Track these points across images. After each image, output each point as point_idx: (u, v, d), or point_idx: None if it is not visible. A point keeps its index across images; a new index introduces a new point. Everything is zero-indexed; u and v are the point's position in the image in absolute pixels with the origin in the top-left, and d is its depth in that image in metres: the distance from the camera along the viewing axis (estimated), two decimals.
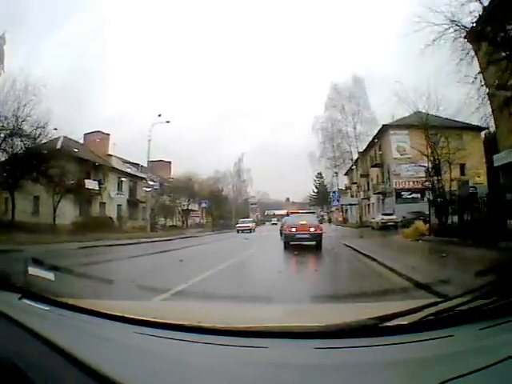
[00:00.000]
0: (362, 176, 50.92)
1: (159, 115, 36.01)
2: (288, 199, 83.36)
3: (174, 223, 52.95)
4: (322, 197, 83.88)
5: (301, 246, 16.35)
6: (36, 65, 66.60)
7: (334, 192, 46.20)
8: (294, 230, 17.20)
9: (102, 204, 40.61)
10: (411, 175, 37.55)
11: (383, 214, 35.42)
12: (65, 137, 34.34)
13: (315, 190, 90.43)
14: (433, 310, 1.33)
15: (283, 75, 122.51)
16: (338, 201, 44.17)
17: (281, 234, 19.92)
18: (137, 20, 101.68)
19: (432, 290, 5.87)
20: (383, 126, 41.30)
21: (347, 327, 1.33)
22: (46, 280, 1.91)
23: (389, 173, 41.72)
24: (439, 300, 1.40)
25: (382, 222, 33.55)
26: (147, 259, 14.85)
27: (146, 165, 42.53)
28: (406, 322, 1.31)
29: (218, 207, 59.82)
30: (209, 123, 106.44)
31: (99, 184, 39.08)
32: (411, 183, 38.94)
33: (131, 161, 46.94)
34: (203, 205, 53.27)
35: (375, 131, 44.65)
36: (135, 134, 72.93)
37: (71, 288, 2.46)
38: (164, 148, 68.98)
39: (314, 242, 16.80)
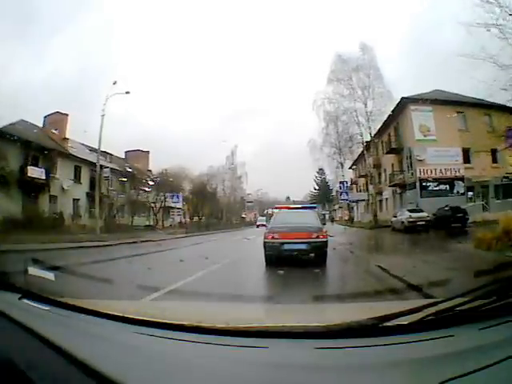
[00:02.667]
0: (374, 166, 40.38)
1: (114, 83, 29.18)
2: (288, 198, 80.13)
3: (150, 222, 43.73)
4: (323, 194, 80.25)
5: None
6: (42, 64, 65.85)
7: (342, 182, 37.15)
8: (279, 237, 10.62)
9: (53, 197, 32.02)
10: (437, 162, 31.21)
11: (410, 211, 26.79)
12: (22, 120, 30.16)
13: (316, 188, 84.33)
14: (433, 310, 1.33)
15: (282, 69, 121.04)
16: (347, 193, 36.33)
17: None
18: (140, 22, 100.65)
19: None
20: (402, 98, 32.86)
21: (347, 327, 1.33)
22: (46, 280, 1.93)
23: (410, 158, 32.86)
24: (439, 300, 1.39)
25: (409, 222, 25.46)
26: None
27: (115, 152, 38.42)
28: (405, 322, 1.31)
29: (206, 205, 51.66)
30: (211, 123, 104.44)
31: (47, 173, 30.78)
32: (438, 171, 31.65)
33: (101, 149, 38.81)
34: (175, 199, 43.35)
35: (390, 109, 35.43)
36: (138, 133, 72.39)
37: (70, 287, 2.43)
38: (170, 148, 67.04)
39: (312, 255, 10.46)
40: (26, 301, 1.66)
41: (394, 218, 29.31)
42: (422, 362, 1.12)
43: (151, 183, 42.44)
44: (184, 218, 52.01)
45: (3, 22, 53.37)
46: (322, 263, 10.23)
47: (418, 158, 31.87)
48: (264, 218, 50.16)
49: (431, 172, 31.82)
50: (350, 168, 49.10)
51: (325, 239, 10.64)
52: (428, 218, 25.39)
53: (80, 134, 36.59)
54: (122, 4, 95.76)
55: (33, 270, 2.00)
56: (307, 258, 10.31)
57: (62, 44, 67.93)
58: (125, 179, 39.96)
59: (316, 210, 16.04)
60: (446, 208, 25.29)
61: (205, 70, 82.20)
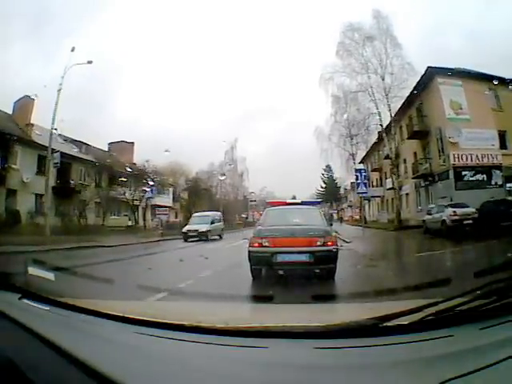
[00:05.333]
0: (397, 157, 33.21)
1: (72, 49, 25.38)
2: (294, 197, 78.17)
3: (133, 222, 37.91)
4: (330, 192, 76.18)
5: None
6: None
7: (358, 171, 26.23)
8: (271, 244, 8.01)
9: (11, 192, 27.42)
10: (473, 146, 25.99)
11: (452, 206, 20.74)
12: None
13: (323, 186, 78.92)
14: (433, 310, 1.33)
15: (288, 68, 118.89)
16: (365, 185, 25.29)
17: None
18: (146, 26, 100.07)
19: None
20: (428, 68, 27.08)
21: (347, 327, 1.34)
22: (46, 280, 1.94)
23: (441, 141, 26.82)
24: (439, 300, 1.39)
25: (452, 221, 19.44)
26: None
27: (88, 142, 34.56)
28: (405, 322, 1.31)
29: (200, 203, 45.72)
30: (217, 124, 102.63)
31: (2, 161, 26.86)
32: (475, 158, 26.20)
33: (75, 138, 35.38)
34: (148, 195, 35.58)
35: (411, 85, 29.49)
36: (149, 135, 72.00)
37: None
38: (178, 150, 65.58)
39: (316, 269, 7.86)
40: (26, 301, 1.67)
41: (427, 217, 23.09)
42: (421, 361, 1.12)
43: (125, 177, 36.32)
44: (176, 217, 47.30)
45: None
46: (330, 276, 7.83)
47: (451, 140, 26.22)
48: (203, 216, 28.06)
49: (467, 158, 26.31)
50: (360, 162, 41.49)
51: (334, 247, 8.01)
52: (476, 216, 19.54)
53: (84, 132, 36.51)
54: (127, 5, 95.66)
55: (33, 270, 2.01)
56: (308, 274, 7.78)
57: (68, 47, 67.83)
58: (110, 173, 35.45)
59: (320, 204, 12.51)
60: (496, 202, 20.42)
61: (212, 70, 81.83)
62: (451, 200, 23.44)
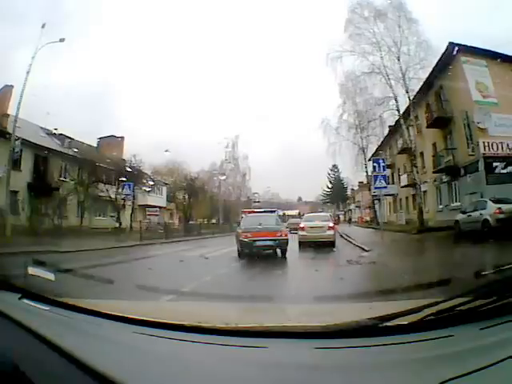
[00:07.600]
0: (406, 150, 29.47)
1: (43, 26, 23.85)
2: (300, 198, 74.22)
3: (123, 224, 33.25)
4: (337, 193, 74.09)
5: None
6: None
7: (375, 161, 21.19)
8: (252, 236, 13.79)
9: None
10: (503, 134, 22.03)
11: (496, 202, 16.72)
12: None
13: (329, 186, 76.05)
14: (433, 310, 1.32)
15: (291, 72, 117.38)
16: (384, 178, 20.14)
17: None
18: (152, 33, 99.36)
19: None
20: (450, 45, 23.20)
21: (347, 327, 1.33)
22: (46, 280, 1.93)
23: (469, 127, 22.79)
24: (439, 300, 1.38)
25: (497, 220, 15.50)
26: None
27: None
28: (405, 322, 1.31)
29: (197, 205, 44.31)
30: (224, 125, 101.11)
31: None
32: (505, 147, 22.16)
33: (57, 132, 31.64)
34: (126, 191, 30.56)
35: (429, 64, 25.61)
36: (154, 140, 71.50)
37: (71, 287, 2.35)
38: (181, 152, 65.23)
39: (276, 248, 14.27)
40: (26, 301, 1.67)
41: (461, 216, 19.02)
42: (422, 361, 1.11)
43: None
44: (171, 219, 45.11)
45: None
46: (283, 255, 13.92)
47: (480, 125, 22.19)
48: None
49: (497, 147, 22.14)
50: (369, 159, 35.32)
51: (286, 237, 14.06)
52: None
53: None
54: (130, 9, 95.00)
55: (33, 270, 2.00)
56: (272, 252, 14.21)
57: (70, 48, 67.98)
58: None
59: (276, 213, 19.24)
60: None
61: (216, 74, 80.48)
62: (482, 196, 19.71)
